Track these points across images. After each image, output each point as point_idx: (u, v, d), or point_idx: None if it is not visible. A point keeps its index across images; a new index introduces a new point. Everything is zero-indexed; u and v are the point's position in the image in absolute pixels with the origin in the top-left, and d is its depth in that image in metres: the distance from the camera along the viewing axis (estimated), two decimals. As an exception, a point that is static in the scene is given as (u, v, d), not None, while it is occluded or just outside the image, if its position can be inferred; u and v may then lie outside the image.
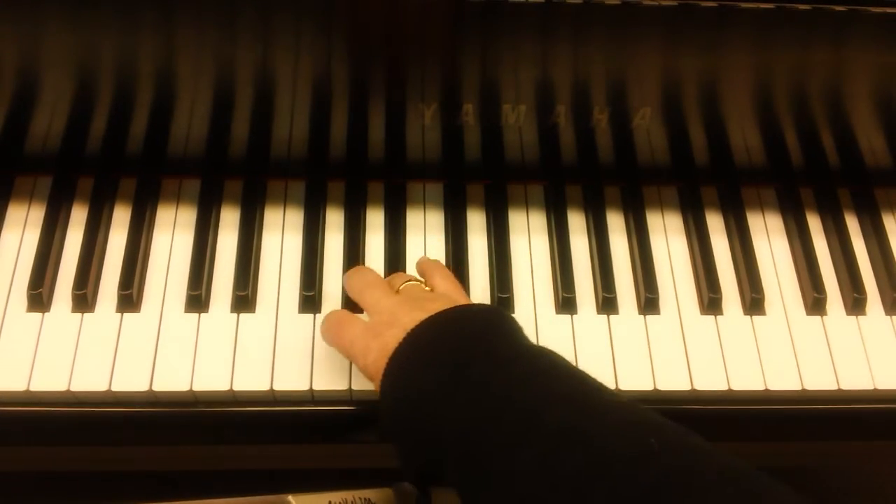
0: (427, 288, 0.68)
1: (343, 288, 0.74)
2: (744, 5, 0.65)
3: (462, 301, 0.66)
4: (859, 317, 0.77)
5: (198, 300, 0.73)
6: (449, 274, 0.70)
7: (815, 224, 0.82)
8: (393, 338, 0.60)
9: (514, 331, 0.61)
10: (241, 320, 0.73)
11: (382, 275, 0.75)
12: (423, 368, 0.58)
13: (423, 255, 0.77)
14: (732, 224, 0.81)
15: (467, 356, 0.57)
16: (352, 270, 0.71)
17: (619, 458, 0.48)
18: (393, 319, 0.62)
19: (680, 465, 0.48)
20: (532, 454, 0.51)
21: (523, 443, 0.52)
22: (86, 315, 0.72)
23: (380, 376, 0.59)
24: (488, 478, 0.52)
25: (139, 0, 0.64)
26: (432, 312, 0.60)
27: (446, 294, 0.67)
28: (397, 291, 0.66)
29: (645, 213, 0.81)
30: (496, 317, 0.62)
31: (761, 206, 0.83)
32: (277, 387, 0.70)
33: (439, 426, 0.56)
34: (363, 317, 0.67)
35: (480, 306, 0.66)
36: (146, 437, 0.72)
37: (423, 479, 0.62)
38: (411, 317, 0.60)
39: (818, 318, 0.77)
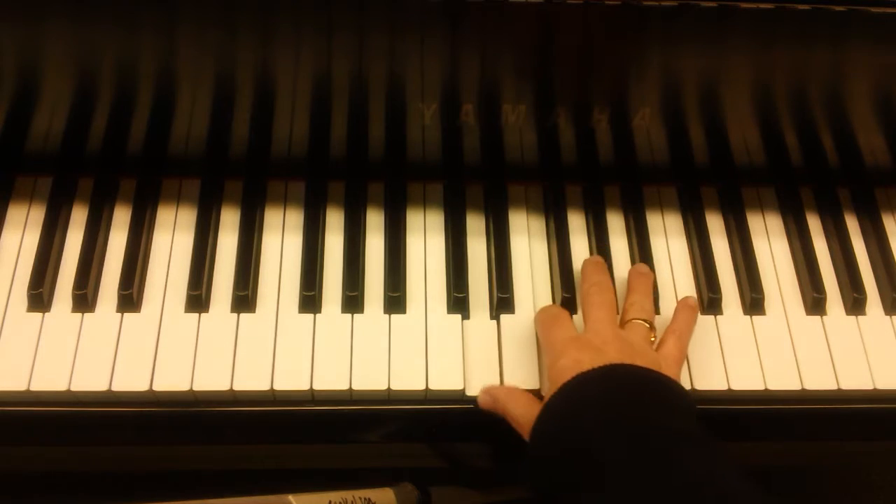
0: (652, 339, 0.69)
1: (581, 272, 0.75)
2: (744, 5, 0.65)
3: (672, 375, 0.66)
4: (859, 317, 0.77)
5: (198, 300, 0.73)
6: (686, 344, 0.70)
7: (815, 224, 0.82)
8: (590, 362, 0.62)
9: (692, 419, 0.62)
10: (242, 320, 0.73)
11: (381, 278, 0.75)
12: (602, 398, 0.60)
13: (423, 255, 0.77)
14: (732, 224, 0.81)
15: (646, 415, 0.59)
16: (594, 272, 0.73)
17: None
18: (601, 347, 0.64)
19: None
20: None
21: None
22: (86, 315, 0.72)
23: (559, 383, 0.62)
24: None
25: (139, 0, 0.64)
26: (630, 363, 0.63)
27: (664, 360, 0.67)
28: (625, 323, 0.69)
29: (645, 214, 0.81)
30: (691, 403, 0.63)
31: (761, 206, 0.83)
32: (277, 387, 0.70)
33: (590, 451, 0.57)
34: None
35: (683, 388, 0.65)
36: (146, 437, 0.72)
37: (541, 485, 0.62)
38: (618, 358, 0.63)
39: (818, 318, 0.77)
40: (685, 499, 0.53)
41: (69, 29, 0.66)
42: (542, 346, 0.70)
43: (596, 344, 0.65)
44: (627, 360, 0.63)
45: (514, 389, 0.69)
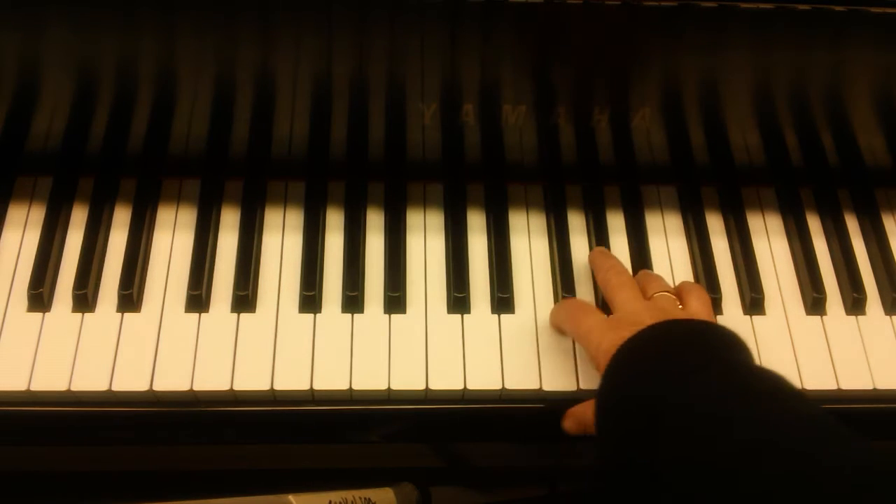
0: (679, 305, 0.69)
1: (589, 266, 0.77)
2: (744, 5, 0.65)
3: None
4: (859, 317, 0.77)
5: (198, 300, 0.73)
6: (707, 299, 0.70)
7: (815, 224, 0.82)
8: (631, 333, 0.61)
9: (750, 355, 0.62)
10: (242, 320, 0.73)
11: (382, 278, 0.75)
12: (657, 356, 0.59)
13: (423, 255, 0.77)
14: (732, 224, 0.81)
15: (704, 358, 0.58)
16: (605, 259, 0.74)
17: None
18: (637, 319, 0.64)
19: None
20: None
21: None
22: (86, 315, 0.72)
23: (607, 361, 0.61)
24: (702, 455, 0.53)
25: (140, 0, 0.64)
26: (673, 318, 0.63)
27: (698, 314, 0.67)
28: (649, 298, 0.68)
29: (644, 213, 0.81)
30: (739, 339, 0.62)
31: (761, 206, 0.83)
32: (278, 387, 0.70)
33: (660, 405, 0.56)
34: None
35: (725, 327, 0.65)
36: (146, 437, 0.72)
37: (613, 458, 0.61)
38: (654, 321, 0.62)
39: (818, 318, 0.77)
40: (799, 427, 0.53)
41: (69, 29, 0.66)
42: (576, 337, 0.69)
43: (631, 320, 0.64)
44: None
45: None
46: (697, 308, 0.68)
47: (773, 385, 0.57)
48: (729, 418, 0.54)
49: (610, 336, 0.63)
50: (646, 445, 0.56)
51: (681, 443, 0.54)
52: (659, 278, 0.73)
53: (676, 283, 0.75)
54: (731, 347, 0.61)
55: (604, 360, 0.62)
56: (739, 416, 0.54)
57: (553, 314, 0.73)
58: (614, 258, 0.75)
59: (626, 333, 0.61)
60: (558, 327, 0.73)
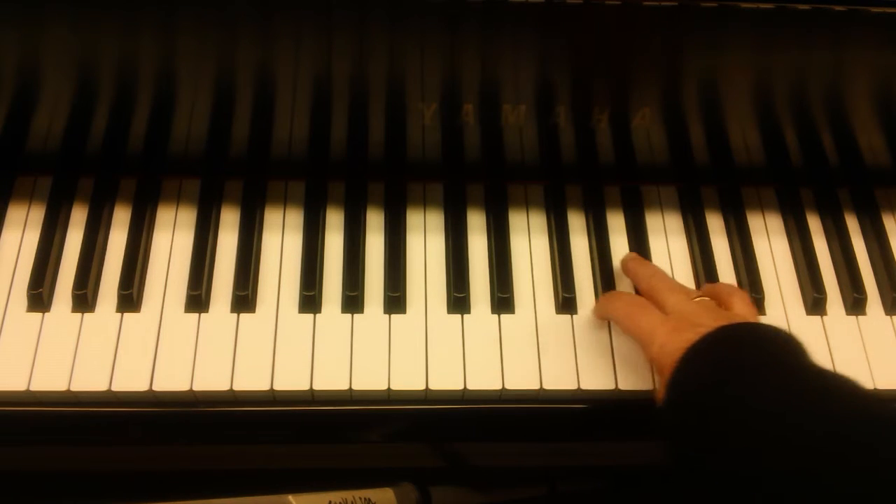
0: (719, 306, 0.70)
1: (623, 270, 0.77)
2: (744, 5, 0.65)
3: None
4: (859, 317, 0.77)
5: (198, 300, 0.73)
6: (749, 300, 0.71)
7: (815, 224, 0.82)
8: (696, 335, 0.62)
9: (808, 355, 0.63)
10: (241, 320, 0.73)
11: (381, 278, 0.75)
12: (730, 357, 0.60)
13: (423, 255, 0.77)
14: (732, 224, 0.81)
15: (774, 358, 0.60)
16: (645, 267, 0.75)
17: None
18: (697, 321, 0.64)
19: None
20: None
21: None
22: (86, 315, 0.72)
23: (673, 364, 0.62)
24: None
25: (140, 0, 0.64)
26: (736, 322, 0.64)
27: (745, 317, 0.68)
28: (690, 299, 0.69)
29: (645, 213, 0.81)
30: (800, 341, 0.63)
31: (761, 206, 0.83)
32: (277, 387, 0.70)
33: (727, 408, 0.58)
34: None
35: (784, 330, 0.66)
36: (146, 437, 0.72)
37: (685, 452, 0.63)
38: (716, 322, 0.63)
39: (818, 317, 0.77)
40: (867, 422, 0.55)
41: (69, 29, 0.66)
42: (634, 334, 0.68)
43: (692, 321, 0.65)
44: (726, 322, 0.63)
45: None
46: (744, 310, 0.69)
47: (849, 386, 0.58)
48: (808, 416, 0.55)
49: (675, 338, 0.63)
50: (722, 444, 0.58)
51: (761, 440, 0.56)
52: (687, 288, 0.73)
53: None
54: (795, 349, 0.62)
55: (669, 361, 0.62)
56: (819, 415, 0.55)
57: (604, 306, 0.73)
58: (653, 264, 0.76)
59: (691, 336, 0.62)
60: (606, 318, 0.73)
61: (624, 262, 0.77)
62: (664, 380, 0.63)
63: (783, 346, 0.62)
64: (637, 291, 0.75)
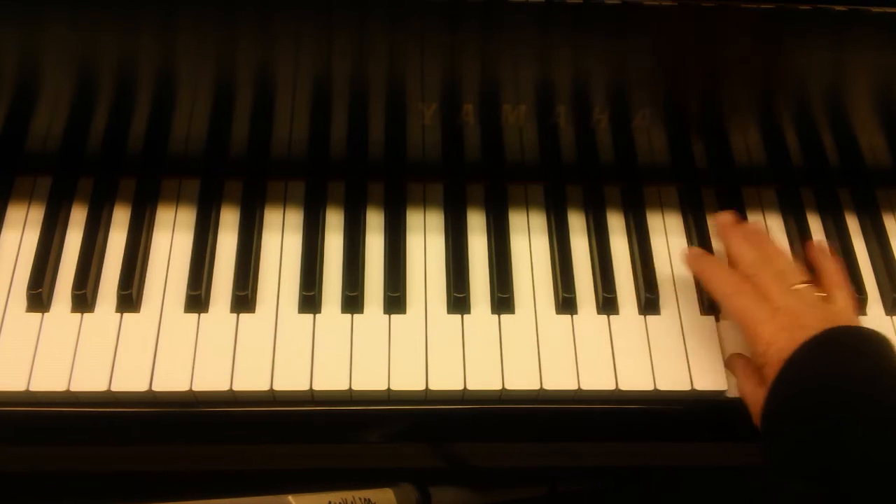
0: (819, 293, 0.70)
1: (718, 231, 0.76)
2: (744, 5, 0.65)
3: (857, 323, 0.69)
4: (860, 317, 0.77)
5: (197, 300, 0.73)
6: (853, 291, 0.72)
7: (815, 224, 0.82)
8: (802, 337, 0.63)
9: None
10: (241, 320, 0.73)
11: (381, 278, 0.75)
12: (840, 362, 0.62)
13: (423, 255, 0.77)
14: (733, 224, 0.81)
15: (886, 363, 0.62)
16: (748, 236, 0.73)
17: None
18: (802, 322, 0.65)
19: None
20: None
21: None
22: (85, 315, 0.72)
23: (780, 363, 0.63)
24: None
25: (139, 0, 0.64)
26: (841, 324, 0.64)
27: (846, 311, 0.69)
28: (790, 287, 0.69)
29: (645, 213, 0.81)
30: (890, 343, 0.64)
31: (761, 206, 0.83)
32: (277, 387, 0.69)
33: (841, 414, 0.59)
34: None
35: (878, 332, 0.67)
36: (146, 437, 0.72)
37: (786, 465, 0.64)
38: (821, 324, 0.64)
39: (818, 318, 0.77)
40: None
41: (69, 29, 0.66)
42: (737, 318, 0.69)
43: (800, 323, 0.65)
44: (831, 325, 0.64)
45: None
46: (845, 303, 0.70)
47: None
48: None
49: (784, 336, 0.64)
50: (834, 446, 0.59)
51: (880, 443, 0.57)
52: (787, 264, 0.71)
53: (677, 292, 0.76)
54: (891, 353, 0.63)
55: (776, 361, 0.63)
56: None
57: (703, 272, 0.73)
58: (754, 232, 0.75)
59: (799, 336, 0.63)
60: (699, 278, 0.74)
61: (690, 260, 0.75)
62: (769, 377, 0.64)
63: (884, 352, 0.63)
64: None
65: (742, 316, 0.68)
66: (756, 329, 0.66)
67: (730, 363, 0.73)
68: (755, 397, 0.66)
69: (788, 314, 0.66)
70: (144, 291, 0.74)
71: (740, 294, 0.68)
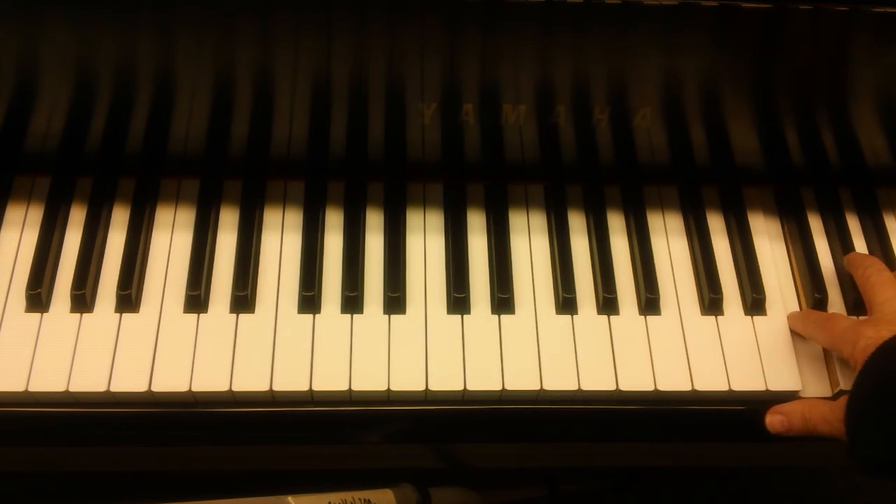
0: None
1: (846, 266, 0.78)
2: (744, 5, 0.65)
3: None
4: (860, 317, 0.77)
5: (197, 300, 0.73)
6: None
7: (815, 224, 0.82)
8: (890, 332, 0.63)
9: None
10: (241, 321, 0.72)
11: (381, 278, 0.75)
12: None
13: (423, 255, 0.77)
14: (733, 224, 0.81)
15: None
16: (864, 257, 0.76)
17: None
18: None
19: None
20: None
21: None
22: (85, 315, 0.72)
23: (866, 357, 0.62)
24: None
25: (138, 0, 0.64)
26: None
27: None
28: None
29: (645, 213, 0.81)
30: None
31: (761, 206, 0.83)
32: (277, 387, 0.69)
33: None
34: None
35: None
36: (146, 437, 0.72)
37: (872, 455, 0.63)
38: None
39: (819, 318, 0.77)
40: None
41: (68, 29, 0.66)
42: (830, 343, 0.70)
43: (891, 319, 0.65)
44: None
45: (807, 401, 0.70)
46: None
47: None
48: None
49: (869, 333, 0.64)
50: None
51: None
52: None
53: (677, 292, 0.76)
54: None
55: (862, 356, 0.63)
56: None
57: (801, 322, 0.74)
58: (874, 257, 0.76)
59: (886, 332, 0.63)
60: (805, 335, 0.74)
61: (848, 256, 0.78)
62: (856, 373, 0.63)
63: None
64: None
65: (829, 333, 0.69)
66: (843, 336, 0.66)
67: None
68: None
69: (880, 317, 0.67)
70: (144, 292, 0.74)
71: (827, 323, 0.70)
